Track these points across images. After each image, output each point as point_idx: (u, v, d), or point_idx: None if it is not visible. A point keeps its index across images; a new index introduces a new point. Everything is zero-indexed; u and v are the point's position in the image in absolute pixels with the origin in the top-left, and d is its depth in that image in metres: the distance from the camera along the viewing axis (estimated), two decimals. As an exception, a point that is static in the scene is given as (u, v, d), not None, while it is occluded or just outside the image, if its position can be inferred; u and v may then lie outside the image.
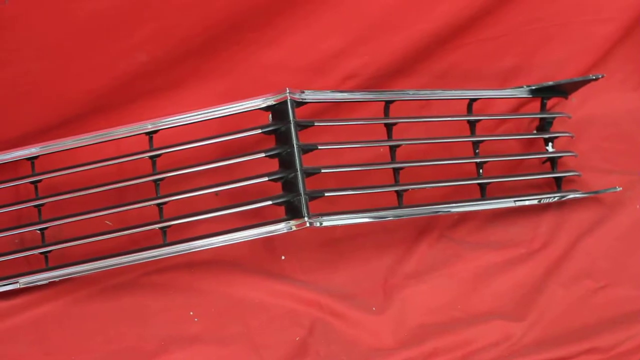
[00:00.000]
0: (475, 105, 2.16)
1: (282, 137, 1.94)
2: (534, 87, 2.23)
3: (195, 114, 1.97)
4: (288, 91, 1.93)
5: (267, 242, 2.07)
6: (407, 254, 2.08)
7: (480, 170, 2.12)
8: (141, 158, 1.97)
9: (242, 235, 1.91)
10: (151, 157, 1.97)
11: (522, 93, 2.23)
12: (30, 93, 2.03)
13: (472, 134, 2.15)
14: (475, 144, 2.14)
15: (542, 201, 2.15)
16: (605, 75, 2.23)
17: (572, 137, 2.27)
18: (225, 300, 1.97)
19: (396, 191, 2.01)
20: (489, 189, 2.11)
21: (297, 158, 1.91)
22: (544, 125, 2.29)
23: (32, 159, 1.99)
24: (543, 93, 2.25)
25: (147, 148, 1.98)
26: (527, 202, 2.13)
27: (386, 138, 2.06)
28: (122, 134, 1.98)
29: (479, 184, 2.11)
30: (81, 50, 2.01)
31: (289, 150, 1.92)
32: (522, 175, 2.24)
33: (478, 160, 2.13)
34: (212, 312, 1.95)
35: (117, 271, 1.98)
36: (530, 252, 2.11)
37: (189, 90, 2.18)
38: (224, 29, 2.09)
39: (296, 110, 1.94)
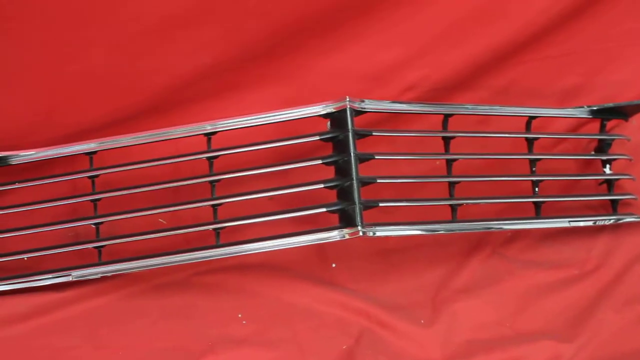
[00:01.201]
0: (533, 123, 2.15)
1: (339, 144, 1.95)
2: (594, 108, 2.21)
3: (255, 117, 1.98)
4: (348, 99, 1.93)
5: (319, 248, 2.08)
6: (459, 269, 2.07)
7: (536, 189, 2.11)
8: (199, 159, 1.98)
9: (295, 241, 1.91)
10: (209, 158, 1.98)
11: (582, 113, 2.21)
12: (94, 89, 2.06)
13: (530, 151, 2.13)
14: (532, 162, 2.12)
15: (597, 223, 2.13)
16: (667, 99, 2.21)
17: (630, 160, 2.25)
18: (275, 304, 1.98)
19: (450, 205, 2.00)
20: (543, 207, 2.09)
21: (353, 167, 1.91)
22: (602, 146, 2.27)
23: (90, 154, 2.01)
24: (603, 114, 2.22)
25: (204, 149, 1.99)
26: (581, 223, 2.11)
27: (443, 151, 2.05)
28: (180, 134, 1.99)
29: (534, 202, 2.09)
30: (147, 50, 2.03)
31: (345, 158, 1.92)
32: (578, 196, 2.22)
33: (534, 178, 2.11)
34: (260, 315, 1.96)
35: (169, 269, 1.99)
36: (582, 274, 2.08)
37: (248, 93, 2.18)
38: (287, 35, 2.09)
39: (355, 119, 1.93)
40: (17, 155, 2.02)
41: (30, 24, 1.94)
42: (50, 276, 1.95)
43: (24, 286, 1.96)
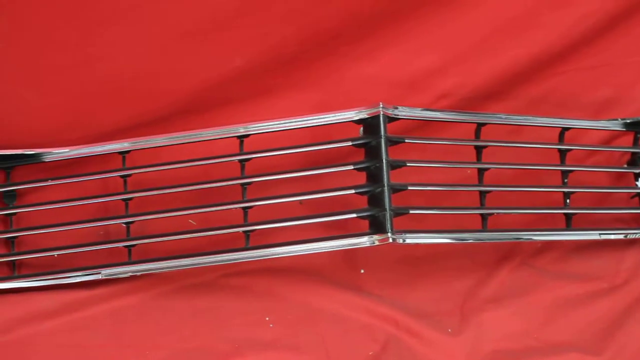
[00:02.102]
0: (566, 135, 2.14)
1: (371, 151, 1.95)
2: (628, 121, 2.20)
3: (288, 121, 1.99)
4: (381, 106, 1.93)
5: (348, 254, 2.08)
6: (488, 278, 2.07)
7: (568, 200, 2.10)
8: (231, 161, 1.98)
9: (324, 246, 1.91)
10: (241, 161, 1.98)
11: (615, 125, 2.20)
12: (126, 89, 2.06)
13: (562, 163, 2.12)
14: (565, 174, 2.11)
15: (628, 236, 2.12)
16: (702, 114, 2.20)
17: (663, 174, 2.24)
18: (302, 308, 1.97)
19: (481, 214, 2.00)
20: (574, 219, 2.08)
21: (385, 173, 1.91)
22: (635, 159, 2.26)
23: (123, 154, 2.02)
24: (637, 127, 2.21)
25: (236, 152, 1.99)
26: (612, 236, 2.09)
27: (474, 160, 2.05)
28: (213, 136, 2.00)
29: (565, 213, 2.08)
30: (181, 51, 2.03)
31: (377, 164, 1.92)
32: (609, 209, 2.21)
33: (566, 189, 2.10)
34: (288, 319, 1.96)
35: (198, 270, 1.99)
36: (612, 287, 2.07)
37: (281, 97, 2.18)
38: (321, 40, 2.09)
39: (387, 125, 1.93)
40: (51, 153, 2.04)
41: (65, 24, 1.95)
42: (80, 274, 1.96)
43: (53, 283, 1.97)
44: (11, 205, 2.06)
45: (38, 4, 1.92)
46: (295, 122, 1.99)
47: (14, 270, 2.01)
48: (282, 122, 1.99)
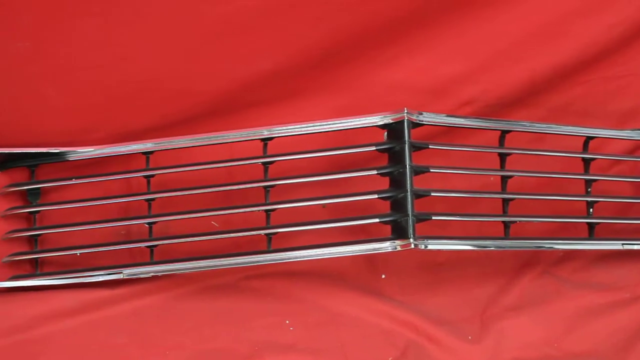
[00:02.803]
0: (590, 144, 2.13)
1: (395, 156, 1.95)
2: (652, 131, 2.20)
3: (312, 125, 1.99)
4: (406, 111, 1.93)
5: (369, 258, 2.08)
6: (509, 286, 2.06)
7: (591, 210, 2.09)
8: (254, 163, 1.99)
9: (346, 250, 1.92)
10: (264, 164, 1.99)
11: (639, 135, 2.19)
12: (152, 89, 2.07)
13: (586, 172, 2.12)
14: (588, 183, 2.11)
15: (651, 247, 2.11)
16: None
17: (687, 184, 2.23)
18: (322, 312, 1.97)
19: (503, 222, 1.99)
20: (597, 229, 2.07)
21: (408, 179, 1.91)
22: (659, 170, 2.25)
23: (147, 154, 2.02)
24: (662, 137, 2.21)
25: (259, 154, 2.00)
26: (635, 247, 2.08)
27: (497, 167, 2.04)
28: (237, 138, 2.01)
29: (588, 223, 2.08)
30: (207, 53, 2.04)
31: (401, 170, 1.92)
32: (632, 219, 2.19)
33: (589, 199, 2.10)
34: (308, 322, 1.96)
35: (219, 272, 2.00)
36: (634, 297, 2.06)
37: (305, 101, 2.18)
38: (347, 45, 2.10)
39: (411, 131, 1.93)
40: (75, 152, 2.05)
41: (91, 24, 1.96)
42: (102, 273, 1.97)
43: (75, 282, 1.98)
44: (35, 203, 2.06)
45: (64, 3, 1.92)
46: (319, 125, 1.99)
47: (36, 268, 2.02)
48: (306, 125, 1.99)
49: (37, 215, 2.06)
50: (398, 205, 1.92)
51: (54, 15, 1.94)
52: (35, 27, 1.95)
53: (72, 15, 1.95)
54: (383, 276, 2.08)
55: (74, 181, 2.05)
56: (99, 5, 1.95)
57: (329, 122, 1.99)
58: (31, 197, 2.07)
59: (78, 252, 2.01)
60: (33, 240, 2.05)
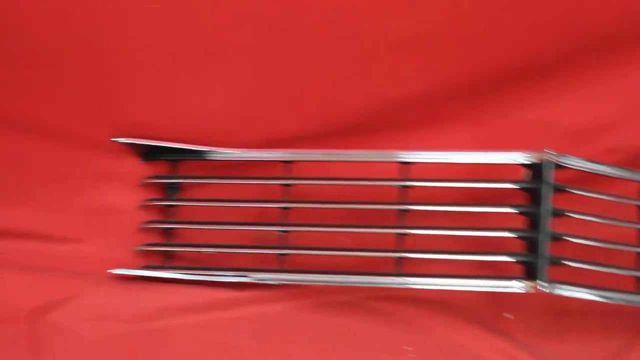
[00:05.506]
0: None
1: (533, 195, 1.94)
2: None
3: (452, 154, 2.00)
4: (550, 152, 1.92)
5: (495, 294, 2.04)
6: (636, 343, 2.02)
7: None
8: (392, 185, 2.00)
9: (473, 284, 1.92)
10: (401, 187, 1.99)
11: None
12: (301, 100, 2.09)
13: None
14: None
15: None
16: None
17: None
18: (444, 343, 1.96)
19: (637, 277, 1.96)
20: None
21: (545, 220, 1.89)
22: None
23: (287, 162, 2.04)
24: None
25: (391, 176, 2.01)
26: None
27: (636, 220, 2.01)
28: (377, 158, 2.02)
29: None
30: (360, 69, 2.05)
31: (538, 211, 1.90)
32: None
33: None
34: (428, 351, 1.94)
35: (344, 289, 2.01)
36: None
37: (445, 129, 2.17)
38: (499, 78, 2.09)
39: (553, 172, 1.92)
40: (216, 152, 2.08)
41: (249, 29, 1.99)
42: (230, 274, 2.00)
43: (203, 279, 2.01)
44: (173, 197, 2.10)
45: (228, 14, 1.96)
46: (459, 155, 1.99)
47: (166, 261, 2.06)
48: (446, 153, 2.00)
49: (172, 210, 2.09)
50: (531, 246, 1.91)
51: (219, 24, 1.98)
52: (203, 30, 1.99)
53: (225, 21, 1.98)
54: (508, 315, 2.06)
55: (216, 181, 2.09)
56: (250, 13, 1.98)
57: (469, 154, 1.99)
58: (170, 190, 2.11)
59: (214, 250, 2.05)
60: (166, 232, 2.08)
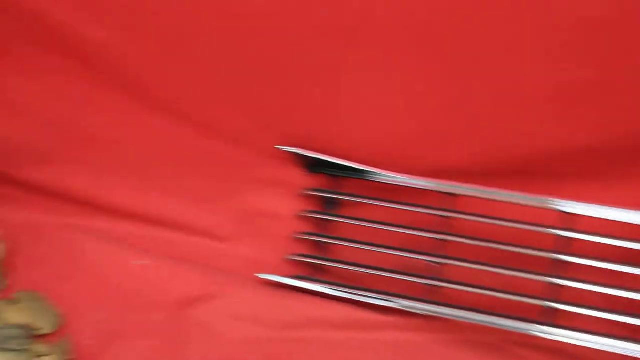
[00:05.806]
0: None
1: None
2: None
3: (618, 210, 1.96)
4: None
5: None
6: None
7: None
8: (551, 234, 1.98)
9: (625, 347, 1.86)
10: (560, 236, 1.96)
11: None
12: (475, 135, 2.09)
13: None
14: None
15: None
16: None
17: None
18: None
19: None
20: None
21: None
22: None
23: (452, 195, 2.04)
24: None
25: (550, 223, 1.98)
26: None
27: None
28: (539, 204, 1.99)
29: None
30: (535, 114, 2.04)
31: None
32: None
33: None
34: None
35: (487, 329, 1.98)
36: None
37: (609, 185, 2.14)
38: None
39: None
40: (377, 174, 2.09)
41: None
42: (378, 297, 2.00)
43: (348, 297, 2.01)
44: (331, 212, 2.11)
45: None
46: (626, 213, 1.94)
47: (314, 273, 2.07)
48: (612, 209, 1.95)
49: (327, 224, 2.11)
50: (687, 315, 1.86)
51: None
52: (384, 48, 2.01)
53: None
54: (652, 383, 2.01)
55: (380, 203, 2.09)
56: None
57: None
58: (328, 205, 2.13)
59: (369, 272, 2.05)
60: (317, 245, 2.10)
